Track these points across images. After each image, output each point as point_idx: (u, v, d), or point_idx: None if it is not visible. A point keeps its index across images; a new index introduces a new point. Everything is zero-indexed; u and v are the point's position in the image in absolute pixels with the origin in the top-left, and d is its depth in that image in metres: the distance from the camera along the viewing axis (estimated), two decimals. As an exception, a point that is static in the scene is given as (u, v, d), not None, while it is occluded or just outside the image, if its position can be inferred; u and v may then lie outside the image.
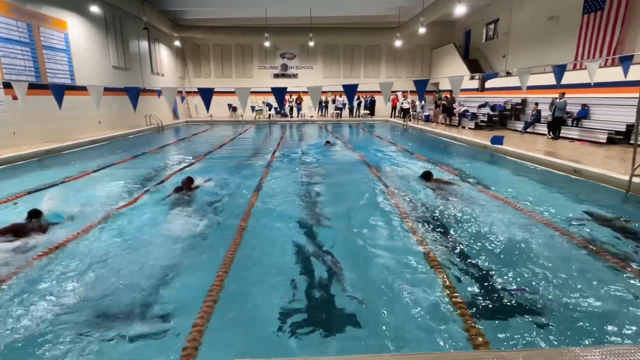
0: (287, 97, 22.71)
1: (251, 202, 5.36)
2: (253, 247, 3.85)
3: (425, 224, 4.50)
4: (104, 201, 5.40)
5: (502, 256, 3.61)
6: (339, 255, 3.60)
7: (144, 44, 18.24)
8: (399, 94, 22.11)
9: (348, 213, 4.90)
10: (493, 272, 3.28)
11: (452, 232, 4.24)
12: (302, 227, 4.44)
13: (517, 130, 14.03)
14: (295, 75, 24.69)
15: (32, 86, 7.96)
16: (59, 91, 7.71)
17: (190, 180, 5.97)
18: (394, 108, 23.23)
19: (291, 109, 23.67)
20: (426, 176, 6.39)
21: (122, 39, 16.05)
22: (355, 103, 22.89)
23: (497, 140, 9.87)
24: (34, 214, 4.17)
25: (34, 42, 10.90)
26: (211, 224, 4.47)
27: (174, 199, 5.39)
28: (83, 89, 9.14)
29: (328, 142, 11.47)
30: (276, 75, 24.70)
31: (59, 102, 7.51)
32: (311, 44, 21.02)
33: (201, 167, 8.18)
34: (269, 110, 23.19)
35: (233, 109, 23.24)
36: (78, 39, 13.01)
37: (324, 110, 24.02)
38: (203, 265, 3.45)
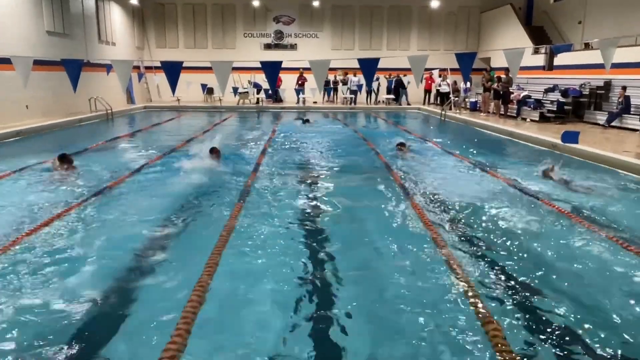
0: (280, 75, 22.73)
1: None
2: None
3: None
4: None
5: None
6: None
7: (90, 3, 18.48)
8: (435, 72, 22.13)
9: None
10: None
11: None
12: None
13: (598, 124, 13.97)
14: (293, 46, 24.85)
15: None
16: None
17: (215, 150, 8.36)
18: (427, 92, 23.26)
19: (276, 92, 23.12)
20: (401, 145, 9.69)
21: (61, -4, 16.25)
22: (374, 85, 22.88)
23: (571, 137, 9.83)
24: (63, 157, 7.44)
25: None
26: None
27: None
28: (6, 61, 9.25)
29: (307, 120, 15.75)
30: (268, 46, 24.90)
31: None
32: (316, 3, 21.22)
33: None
34: (258, 93, 23.29)
35: (208, 90, 23.35)
36: (1, -5, 13.17)
37: (331, 94, 24.10)
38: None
